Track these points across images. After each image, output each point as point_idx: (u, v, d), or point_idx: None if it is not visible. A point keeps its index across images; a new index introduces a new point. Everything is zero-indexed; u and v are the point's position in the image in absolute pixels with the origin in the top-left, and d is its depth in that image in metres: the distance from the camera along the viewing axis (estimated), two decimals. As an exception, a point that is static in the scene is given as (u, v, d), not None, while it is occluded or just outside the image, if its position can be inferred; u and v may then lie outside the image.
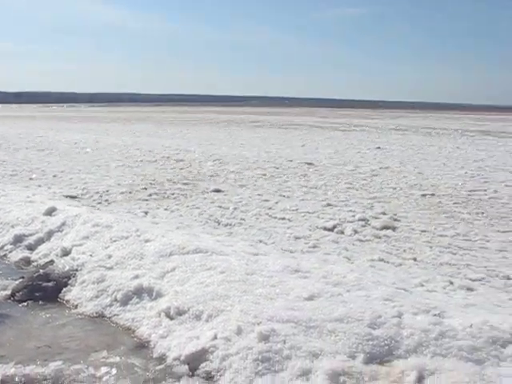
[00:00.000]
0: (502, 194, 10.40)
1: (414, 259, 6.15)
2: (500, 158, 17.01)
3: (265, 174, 12.65)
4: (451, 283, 5.26)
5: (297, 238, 6.95)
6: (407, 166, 14.14)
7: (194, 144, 19.81)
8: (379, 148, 19.79)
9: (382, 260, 6.02)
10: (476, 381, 3.39)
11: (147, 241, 6.15)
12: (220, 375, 3.82)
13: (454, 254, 6.47)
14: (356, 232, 7.29)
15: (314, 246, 6.58)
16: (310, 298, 4.42)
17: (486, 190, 10.73)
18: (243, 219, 8.00)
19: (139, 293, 5.11)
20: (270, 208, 8.83)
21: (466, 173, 13.07)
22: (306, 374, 3.64)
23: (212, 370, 3.89)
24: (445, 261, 6.11)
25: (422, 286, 5.16)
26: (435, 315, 4.05)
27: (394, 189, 10.98)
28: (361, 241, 6.94)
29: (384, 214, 8.54)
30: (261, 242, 6.70)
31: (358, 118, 52.21)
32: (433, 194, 10.36)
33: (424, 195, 10.24)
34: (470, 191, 10.72)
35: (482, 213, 8.81)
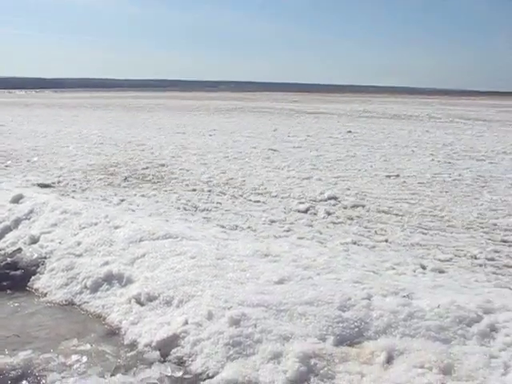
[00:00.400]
0: (466, 177, 10.63)
1: (386, 240, 6.24)
2: (468, 142, 17.30)
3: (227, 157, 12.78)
4: (421, 265, 5.33)
5: (272, 221, 7.01)
6: (374, 153, 14.24)
7: (162, 134, 19.58)
8: (350, 132, 19.95)
9: (355, 243, 6.09)
10: (443, 359, 3.45)
11: (117, 227, 6.11)
12: (191, 360, 3.83)
13: (425, 234, 6.59)
14: (329, 214, 7.39)
15: (289, 230, 6.64)
16: (281, 282, 4.45)
17: (450, 174, 10.96)
18: (219, 203, 8.04)
19: (109, 280, 5.08)
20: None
21: (432, 160, 13.24)
22: (276, 357, 3.66)
23: (183, 356, 3.90)
24: (416, 241, 6.22)
25: (393, 268, 5.23)
26: (404, 297, 4.11)
27: (359, 170, 11.16)
28: (334, 223, 7.03)
29: (348, 189, 8.77)
30: (237, 227, 6.71)
31: (327, 102, 52.26)
32: (397, 175, 10.56)
33: (388, 176, 10.44)
34: (435, 174, 10.93)
35: (446, 191, 9.05)
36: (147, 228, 5.88)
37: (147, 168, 11.16)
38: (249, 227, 6.69)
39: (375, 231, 6.64)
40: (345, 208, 7.79)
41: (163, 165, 11.57)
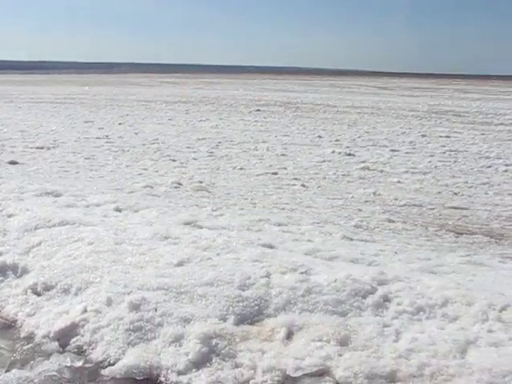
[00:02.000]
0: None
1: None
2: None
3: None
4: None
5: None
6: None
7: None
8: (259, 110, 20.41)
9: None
10: (340, 331, 3.57)
11: (10, 215, 5.89)
12: (92, 349, 3.76)
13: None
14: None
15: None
16: (180, 264, 4.43)
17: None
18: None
19: (3, 270, 4.89)
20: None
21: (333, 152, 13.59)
22: (178, 339, 3.65)
23: (83, 344, 3.82)
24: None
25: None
26: (302, 273, 4.19)
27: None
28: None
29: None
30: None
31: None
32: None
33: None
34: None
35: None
36: (43, 215, 5.70)
37: None
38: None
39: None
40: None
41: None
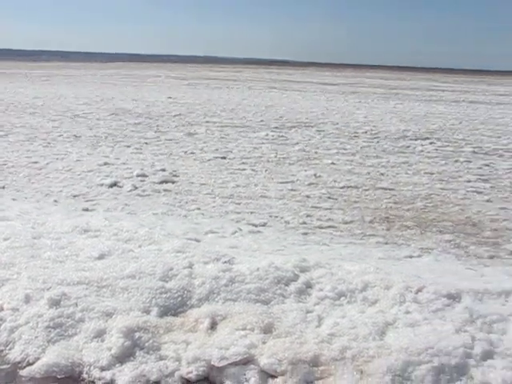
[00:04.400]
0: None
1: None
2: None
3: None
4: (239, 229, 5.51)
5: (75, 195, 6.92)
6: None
7: None
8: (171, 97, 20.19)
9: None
10: (264, 319, 3.59)
11: None
12: (9, 349, 3.61)
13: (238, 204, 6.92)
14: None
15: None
16: (101, 257, 4.35)
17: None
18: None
19: None
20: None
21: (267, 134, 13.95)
22: (100, 335, 3.58)
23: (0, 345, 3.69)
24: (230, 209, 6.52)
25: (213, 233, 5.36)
26: (225, 262, 4.20)
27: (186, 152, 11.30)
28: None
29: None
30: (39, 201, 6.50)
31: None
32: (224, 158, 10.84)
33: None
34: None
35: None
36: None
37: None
38: (55, 201, 6.58)
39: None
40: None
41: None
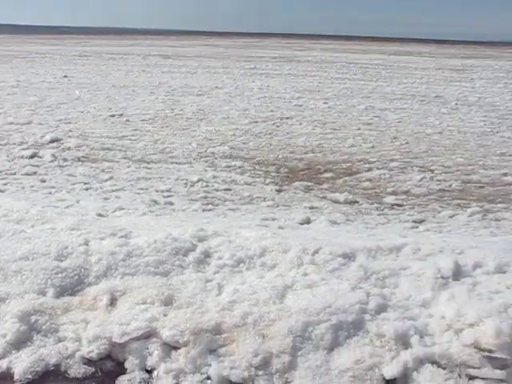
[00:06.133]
0: (187, 111, 11.48)
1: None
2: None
3: None
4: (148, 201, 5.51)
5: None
6: (97, 96, 14.19)
7: None
8: (66, 77, 19.13)
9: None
10: (163, 292, 3.58)
11: None
12: None
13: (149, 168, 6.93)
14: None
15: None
16: (-10, 241, 4.17)
17: (173, 110, 11.72)
18: None
19: None
20: None
21: (156, 98, 13.90)
22: (-6, 321, 3.45)
23: None
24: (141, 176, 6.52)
25: (121, 209, 5.35)
26: (122, 237, 4.13)
27: (82, 112, 11.20)
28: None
29: (71, 131, 8.83)
30: None
31: (40, 44, 48.97)
32: (121, 114, 10.89)
33: (112, 115, 10.75)
34: (158, 111, 11.58)
35: (167, 126, 9.70)
36: None
37: None
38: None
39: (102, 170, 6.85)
40: (68, 149, 7.84)
41: None
